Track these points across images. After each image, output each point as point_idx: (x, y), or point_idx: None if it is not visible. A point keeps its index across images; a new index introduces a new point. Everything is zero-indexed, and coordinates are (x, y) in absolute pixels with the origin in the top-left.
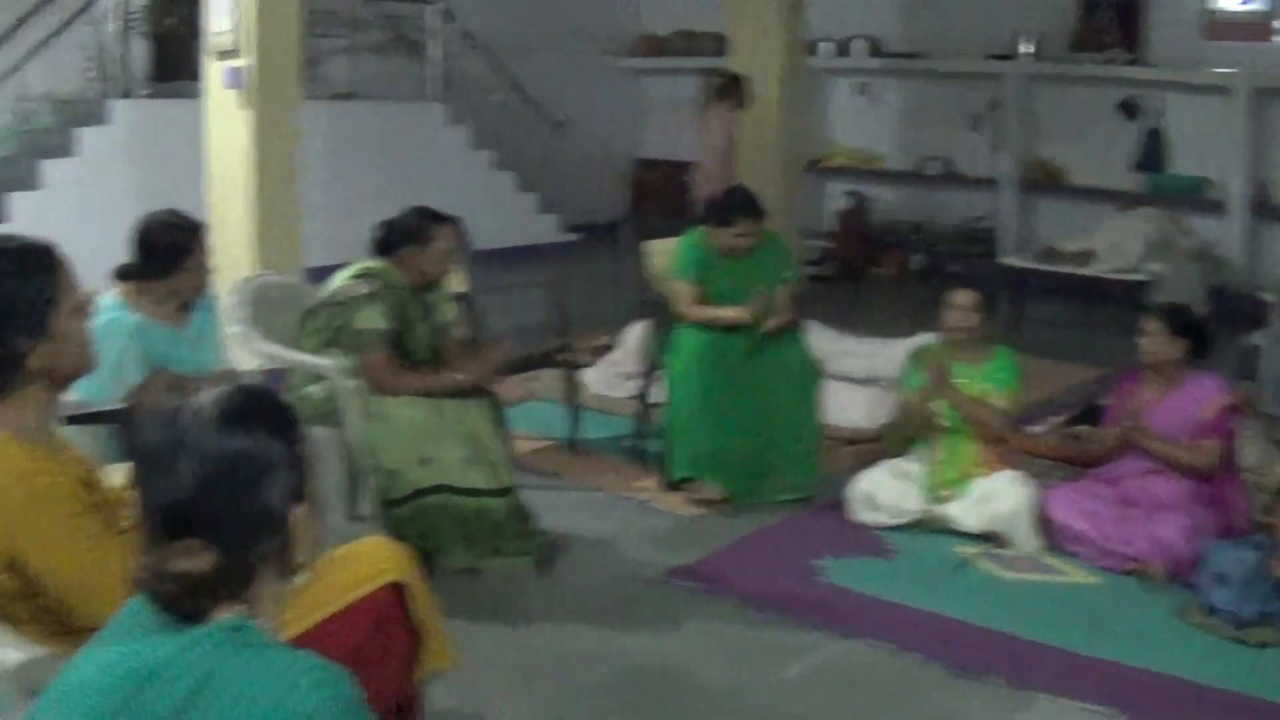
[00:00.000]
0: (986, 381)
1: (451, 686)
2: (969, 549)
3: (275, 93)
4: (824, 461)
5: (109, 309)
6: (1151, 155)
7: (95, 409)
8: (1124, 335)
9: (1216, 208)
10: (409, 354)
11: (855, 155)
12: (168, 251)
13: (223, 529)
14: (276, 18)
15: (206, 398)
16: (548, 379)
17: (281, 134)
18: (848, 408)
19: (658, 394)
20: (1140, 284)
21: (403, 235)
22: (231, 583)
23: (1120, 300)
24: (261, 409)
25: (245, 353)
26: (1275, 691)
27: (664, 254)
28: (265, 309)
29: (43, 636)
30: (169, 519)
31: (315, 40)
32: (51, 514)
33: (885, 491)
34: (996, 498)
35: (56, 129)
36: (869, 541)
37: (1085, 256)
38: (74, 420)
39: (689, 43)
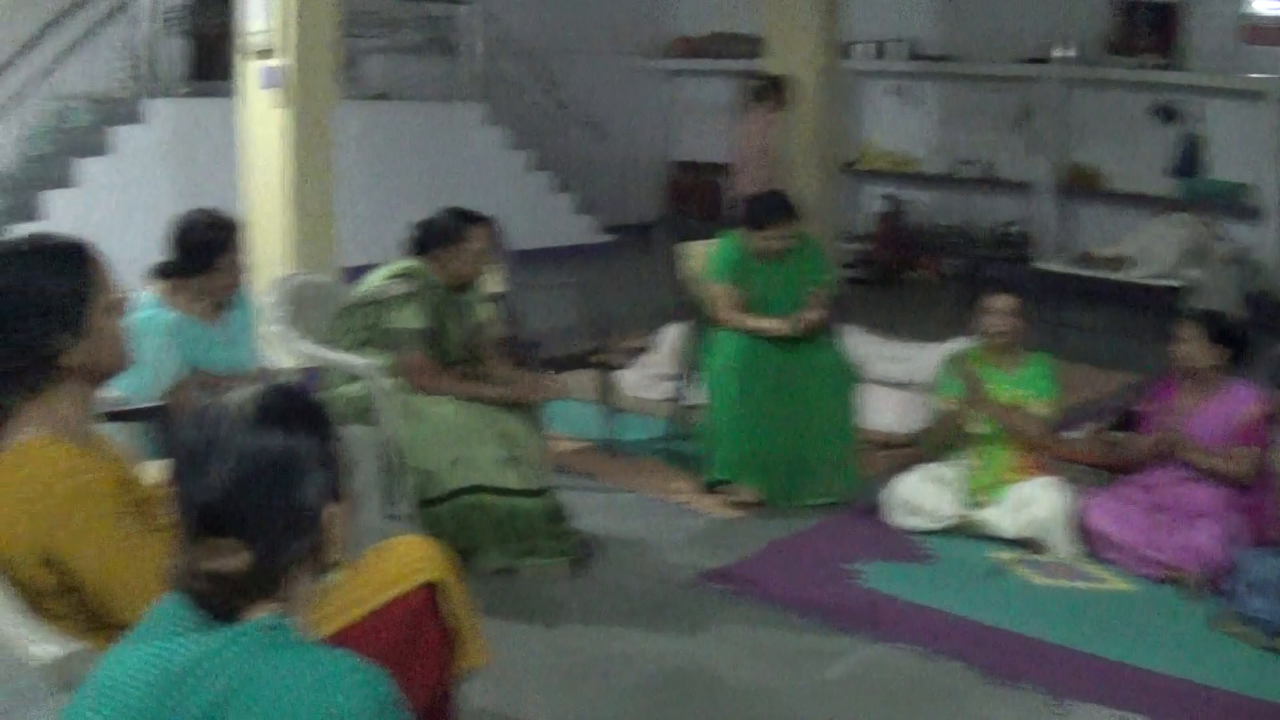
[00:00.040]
0: (1023, 387)
1: (486, 686)
2: (1005, 554)
3: (312, 92)
4: (860, 465)
5: (146, 307)
6: (1188, 160)
7: (133, 406)
8: (1160, 341)
9: (1253, 213)
10: (445, 353)
11: (891, 158)
12: (203, 250)
13: (257, 528)
14: (313, 17)
15: (242, 396)
16: (584, 379)
17: (318, 133)
18: (884, 411)
19: (694, 396)
20: (1176, 290)
21: (438, 235)
22: (266, 582)
23: (1156, 306)
24: (296, 408)
25: (282, 351)
26: None
27: (700, 256)
28: (302, 308)
29: (78, 632)
30: (204, 518)
31: (353, 40)
32: (90, 512)
33: (922, 496)
34: (1033, 503)
35: (92, 127)
36: (905, 546)
37: (1120, 262)
38: (112, 417)
39: (725, 45)
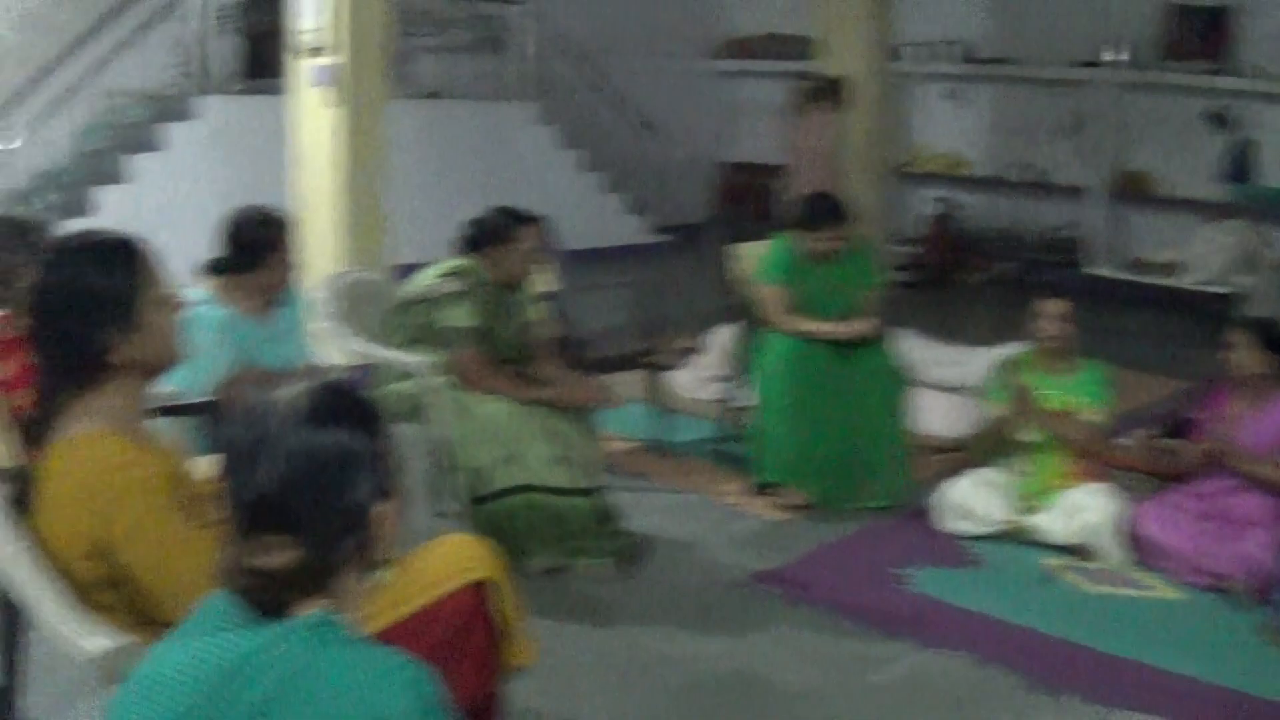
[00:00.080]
0: (1075, 393)
1: (534, 685)
2: (1054, 561)
3: (363, 90)
4: (911, 469)
5: (198, 302)
6: (1239, 166)
7: (184, 401)
8: (1211, 348)
9: None
10: (496, 352)
11: (942, 161)
12: (255, 246)
13: (306, 525)
14: (365, 16)
15: (293, 393)
16: (634, 380)
17: (369, 132)
18: (935, 415)
19: (745, 397)
20: (1227, 296)
21: (488, 234)
22: (314, 579)
23: (1207, 312)
24: (347, 405)
25: (333, 348)
26: None
27: (751, 257)
28: (353, 305)
29: (127, 625)
30: (253, 514)
31: (405, 39)
32: (142, 506)
33: (972, 501)
34: (1083, 510)
35: (144, 124)
36: (955, 551)
37: (1171, 268)
38: (163, 412)
39: (777, 45)
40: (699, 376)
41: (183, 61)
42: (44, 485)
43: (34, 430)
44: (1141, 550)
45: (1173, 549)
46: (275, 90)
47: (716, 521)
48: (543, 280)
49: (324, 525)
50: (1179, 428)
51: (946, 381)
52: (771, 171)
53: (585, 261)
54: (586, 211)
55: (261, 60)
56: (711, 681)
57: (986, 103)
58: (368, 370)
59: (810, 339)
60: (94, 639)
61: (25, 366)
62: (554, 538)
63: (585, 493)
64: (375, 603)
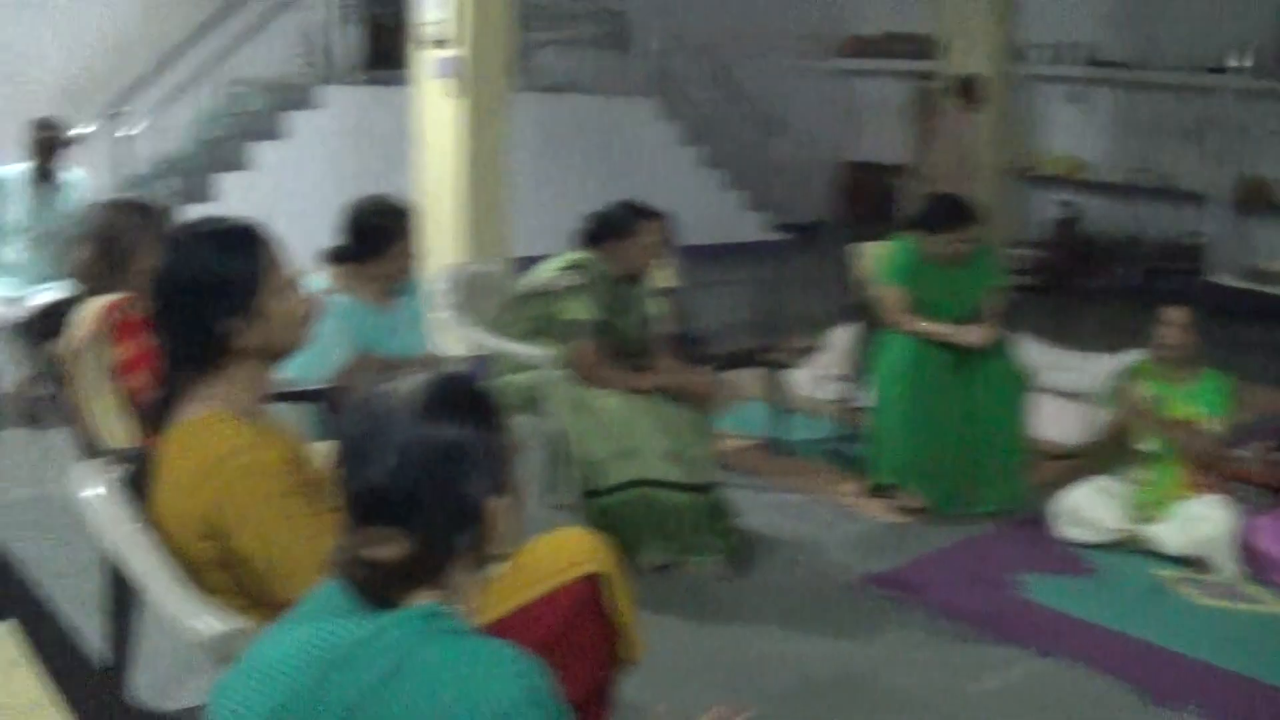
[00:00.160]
0: (1195, 403)
1: (640, 681)
2: (1168, 572)
3: (486, 83)
4: (1028, 475)
5: (319, 291)
6: None
7: (302, 387)
8: None
9: None
10: (614, 346)
11: (1065, 164)
12: (376, 235)
13: (419, 517)
14: (488, 8)
15: (411, 385)
16: (752, 378)
17: (491, 124)
18: (1054, 421)
19: (863, 398)
20: None
21: (610, 228)
22: (426, 570)
23: None
24: (465, 398)
25: (453, 339)
26: None
27: (873, 257)
28: (473, 296)
29: (240, 607)
30: (366, 505)
31: (528, 33)
32: (259, 490)
33: (1089, 508)
34: (1199, 521)
35: (267, 112)
36: (1069, 558)
37: None
38: (280, 397)
39: (900, 45)
40: (817, 375)
41: (306, 51)
42: (162, 467)
43: (154, 413)
44: (1255, 564)
45: None
46: (397, 81)
47: (830, 522)
48: (662, 276)
49: (436, 519)
50: None
51: (1065, 387)
52: (893, 171)
53: (705, 258)
54: (707, 208)
55: (383, 51)
56: (819, 683)
57: (1110, 106)
58: (484, 361)
59: (931, 341)
60: (206, 621)
61: (143, 349)
62: (666, 534)
63: (699, 489)
64: (488, 594)
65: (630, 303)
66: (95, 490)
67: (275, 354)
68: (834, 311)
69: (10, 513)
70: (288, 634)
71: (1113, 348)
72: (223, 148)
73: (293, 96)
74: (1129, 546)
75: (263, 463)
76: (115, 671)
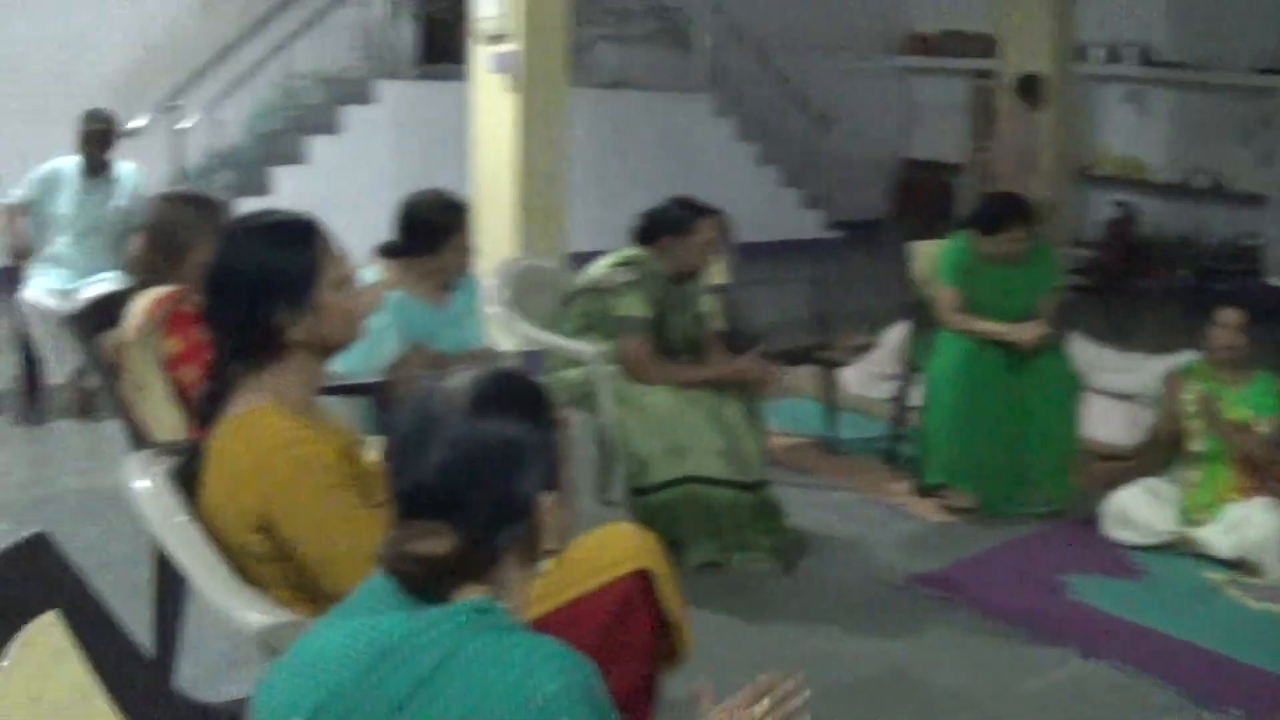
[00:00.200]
0: (1246, 405)
1: (687, 677)
2: (1217, 575)
3: (542, 79)
4: (1079, 476)
5: (373, 285)
6: None
7: (353, 381)
8: None
9: None
10: (666, 343)
11: (1122, 164)
12: (432, 231)
13: (467, 513)
14: (544, 4)
15: (463, 380)
16: (805, 376)
17: (547, 120)
18: (1105, 422)
19: (915, 397)
20: None
21: (665, 225)
22: (474, 566)
23: None
24: (517, 394)
25: (504, 334)
26: None
27: (928, 256)
28: (526, 292)
29: (290, 600)
30: (414, 499)
31: (584, 29)
32: (310, 483)
33: (1138, 510)
34: (1249, 524)
35: (323, 106)
36: (1117, 560)
37: None
38: (329, 391)
39: (958, 43)
40: (870, 374)
41: (361, 45)
42: (212, 460)
43: (204, 406)
44: None
45: None
46: (452, 76)
47: (880, 521)
48: (714, 273)
49: (484, 514)
50: None
51: (1117, 388)
52: (950, 169)
53: (759, 255)
54: (762, 205)
55: (439, 45)
56: (865, 681)
57: (1166, 107)
58: (536, 357)
59: (984, 341)
60: (254, 613)
61: (194, 342)
62: (716, 531)
63: (748, 487)
64: (537, 589)
65: (683, 301)
66: (145, 482)
67: (328, 348)
68: (888, 310)
69: (59, 503)
70: (336, 627)
71: (1166, 349)
72: (278, 141)
73: (349, 91)
74: (1178, 549)
75: (313, 456)
76: (161, 663)
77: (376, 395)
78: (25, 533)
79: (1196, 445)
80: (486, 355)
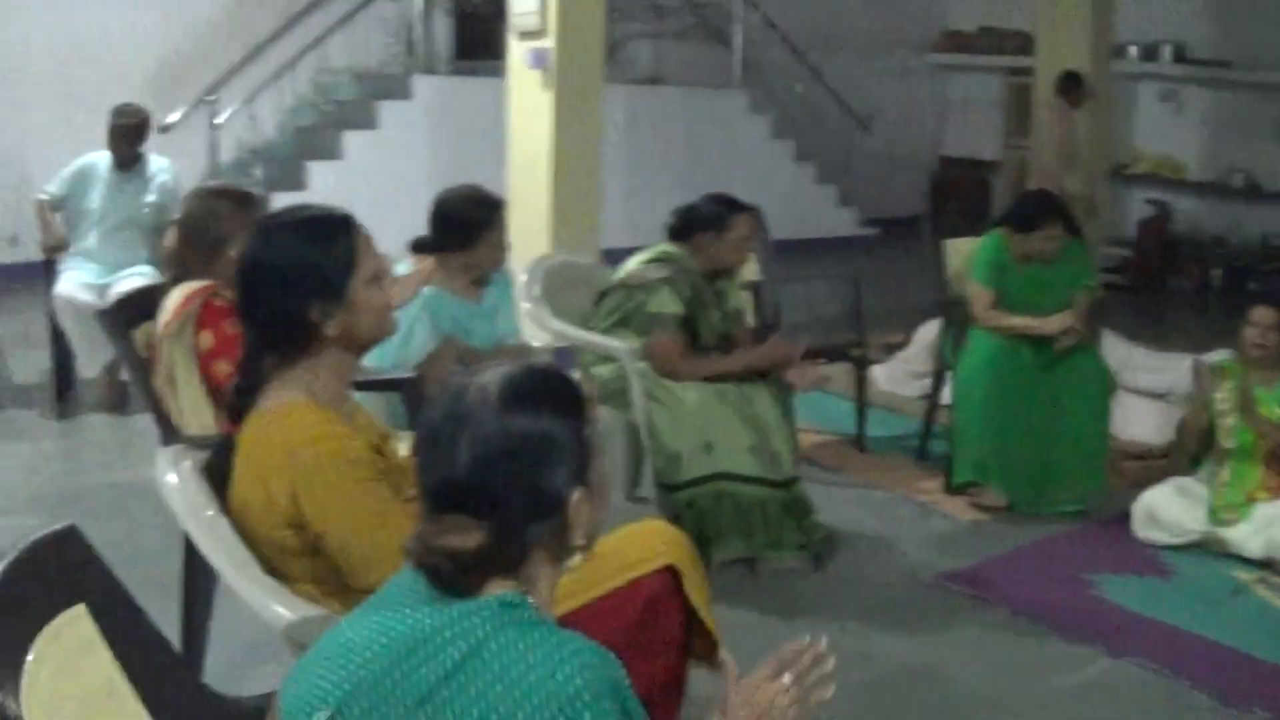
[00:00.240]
0: (1277, 404)
1: (714, 674)
2: (1246, 575)
3: (578, 75)
4: (1109, 475)
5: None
6: None
7: (384, 376)
8: None
9: None
10: (698, 340)
11: (1157, 163)
12: (466, 226)
13: (497, 508)
14: (580, 0)
15: (494, 376)
16: (838, 373)
17: (583, 115)
18: (1138, 421)
19: (947, 395)
20: None
21: (701, 222)
22: (503, 561)
23: None
24: (549, 390)
25: (536, 330)
26: None
27: (963, 254)
28: (558, 288)
29: (317, 595)
30: (444, 493)
31: (619, 25)
32: (339, 478)
33: (1168, 509)
34: (1278, 524)
35: (360, 102)
36: (1147, 559)
37: None
38: (361, 386)
39: (994, 40)
40: (902, 372)
41: (395, 41)
42: (243, 454)
43: (236, 400)
44: None
45: None
46: (487, 71)
47: (910, 519)
48: (747, 270)
49: (513, 510)
50: None
51: (1149, 388)
52: (987, 166)
53: (794, 252)
54: (796, 202)
55: (474, 41)
56: (894, 679)
57: (1201, 105)
58: (567, 353)
59: (1016, 340)
60: (283, 607)
61: (226, 337)
62: (746, 528)
63: (779, 484)
64: (565, 585)
65: (717, 296)
66: (176, 476)
67: (361, 343)
68: (921, 308)
69: (89, 497)
70: (364, 621)
71: (1199, 348)
72: (314, 136)
73: (384, 86)
74: (1208, 548)
75: (343, 451)
76: (189, 657)
77: (408, 390)
78: (55, 526)
79: (1227, 442)
80: (519, 351)
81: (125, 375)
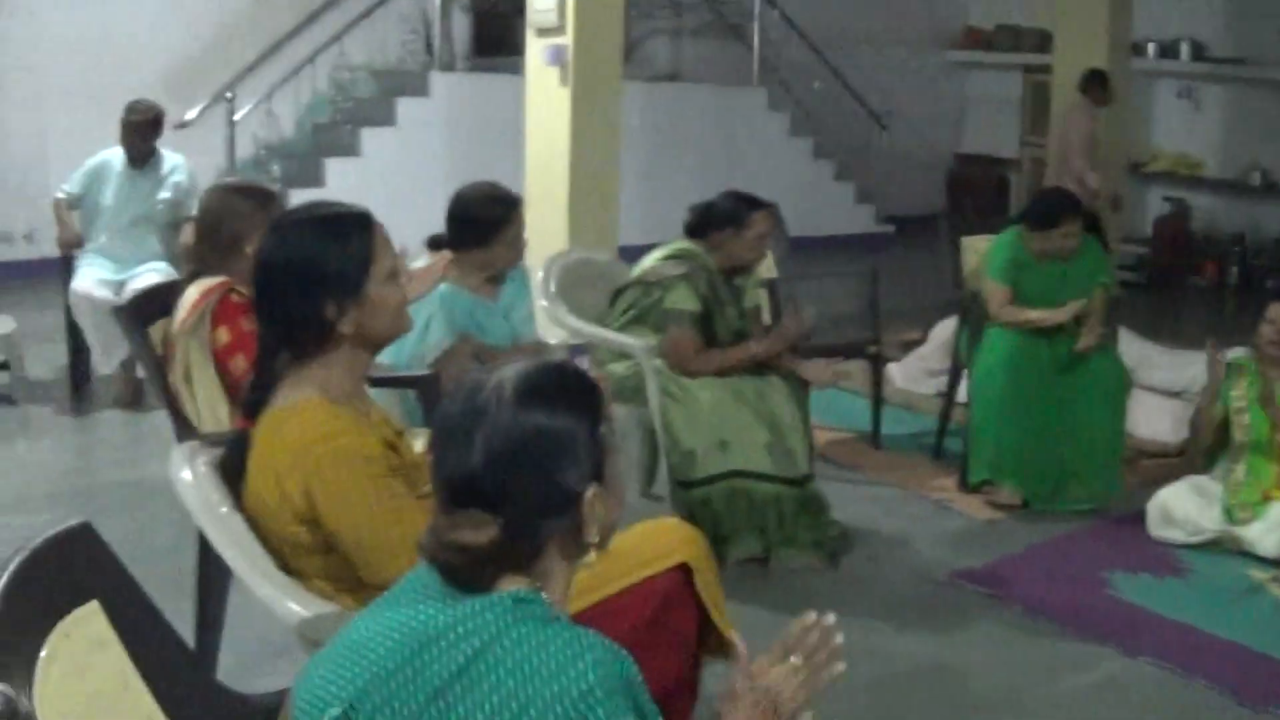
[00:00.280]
0: None
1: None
2: (1261, 573)
3: (596, 72)
4: (1125, 473)
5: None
6: None
7: (400, 373)
8: None
9: None
10: (714, 337)
11: (1175, 160)
12: (484, 224)
13: (511, 504)
14: None
15: (510, 372)
16: (855, 370)
17: (600, 113)
18: (1154, 420)
19: (963, 392)
20: None
21: (718, 219)
22: (516, 557)
23: None
24: (566, 387)
25: (552, 327)
26: None
27: (980, 251)
28: (575, 285)
29: (330, 592)
30: (458, 488)
31: (638, 22)
32: (351, 474)
33: (1183, 508)
34: None
35: (378, 99)
36: (1162, 558)
37: None
38: (377, 383)
39: (1012, 38)
40: (918, 369)
41: (413, 38)
42: (256, 452)
43: (252, 397)
44: None
45: None
46: (505, 68)
47: (924, 517)
48: (763, 267)
49: (527, 506)
50: None
51: (1165, 385)
52: (1005, 164)
53: (811, 250)
54: (814, 199)
55: (491, 38)
56: (908, 677)
57: (1219, 103)
58: (581, 350)
59: (1033, 338)
60: (297, 604)
61: (242, 333)
62: (761, 526)
63: (793, 482)
64: (580, 582)
65: (734, 293)
66: (190, 473)
67: (376, 341)
68: (940, 304)
69: (103, 493)
70: (377, 618)
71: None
72: (331, 133)
73: (402, 83)
74: (1223, 547)
75: (354, 448)
76: (202, 654)
77: (424, 388)
78: (69, 522)
79: (1241, 437)
80: (535, 348)
81: (141, 372)
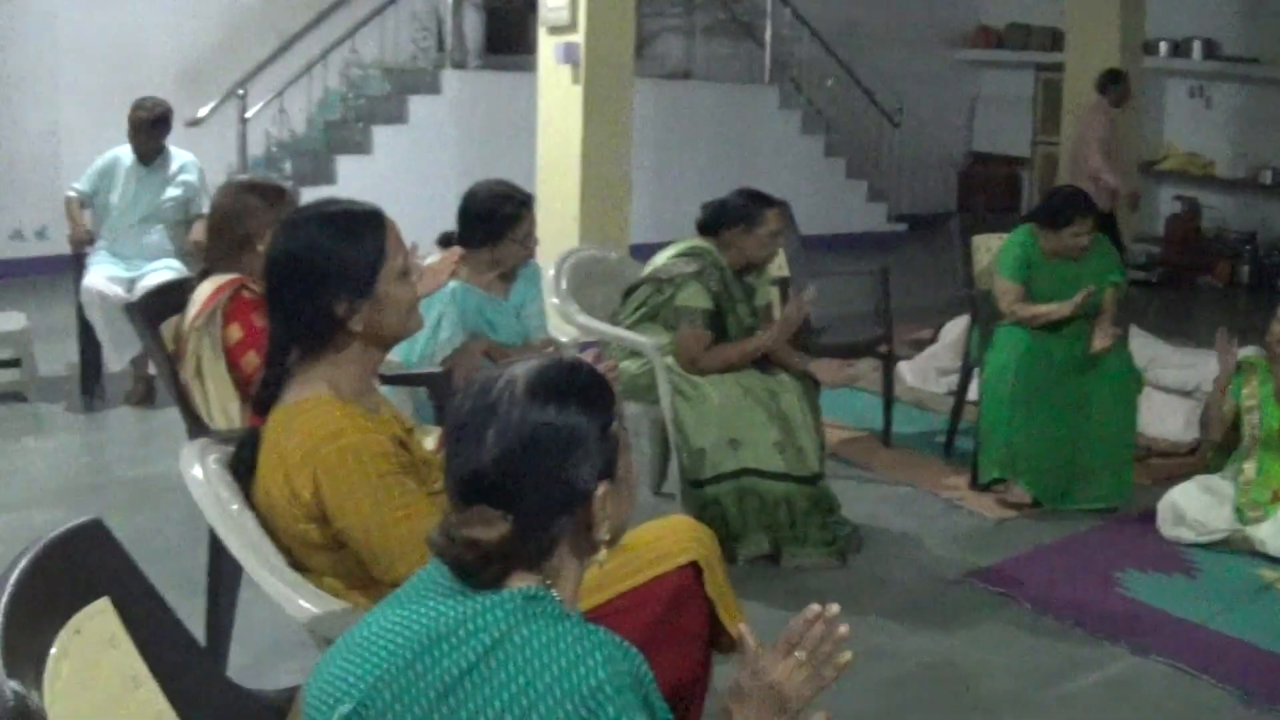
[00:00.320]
0: None
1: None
2: (1272, 573)
3: (607, 70)
4: (1135, 472)
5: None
6: None
7: (410, 370)
8: None
9: None
10: (726, 335)
11: (1187, 159)
12: (494, 222)
13: (521, 501)
14: None
15: (522, 369)
16: (865, 368)
17: (613, 111)
18: (1165, 419)
19: (974, 391)
20: None
21: (730, 217)
22: (527, 554)
23: None
24: (577, 384)
25: (563, 324)
26: None
27: (992, 250)
28: (586, 282)
29: (341, 589)
30: (470, 485)
31: (649, 19)
32: (360, 473)
33: (1194, 507)
34: None
35: (390, 96)
36: (1173, 557)
37: None
38: (388, 381)
39: (1024, 37)
40: (929, 368)
41: (425, 36)
42: (267, 449)
43: (262, 394)
44: None
45: None
46: (516, 66)
47: (936, 516)
48: (774, 265)
49: (538, 502)
50: None
51: (1177, 384)
52: (1017, 163)
53: (823, 248)
54: (825, 197)
55: (503, 36)
56: (918, 676)
57: (1231, 102)
58: (588, 347)
59: (1044, 336)
60: (308, 602)
61: (253, 330)
62: (772, 524)
63: (804, 480)
64: (590, 580)
65: (745, 291)
66: (201, 470)
67: (386, 339)
68: (951, 303)
69: (114, 490)
70: (389, 614)
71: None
72: (343, 131)
73: (413, 81)
74: (1234, 546)
75: (363, 446)
76: (213, 651)
77: (435, 386)
78: (80, 519)
79: (1252, 435)
80: (549, 345)
81: (152, 369)
